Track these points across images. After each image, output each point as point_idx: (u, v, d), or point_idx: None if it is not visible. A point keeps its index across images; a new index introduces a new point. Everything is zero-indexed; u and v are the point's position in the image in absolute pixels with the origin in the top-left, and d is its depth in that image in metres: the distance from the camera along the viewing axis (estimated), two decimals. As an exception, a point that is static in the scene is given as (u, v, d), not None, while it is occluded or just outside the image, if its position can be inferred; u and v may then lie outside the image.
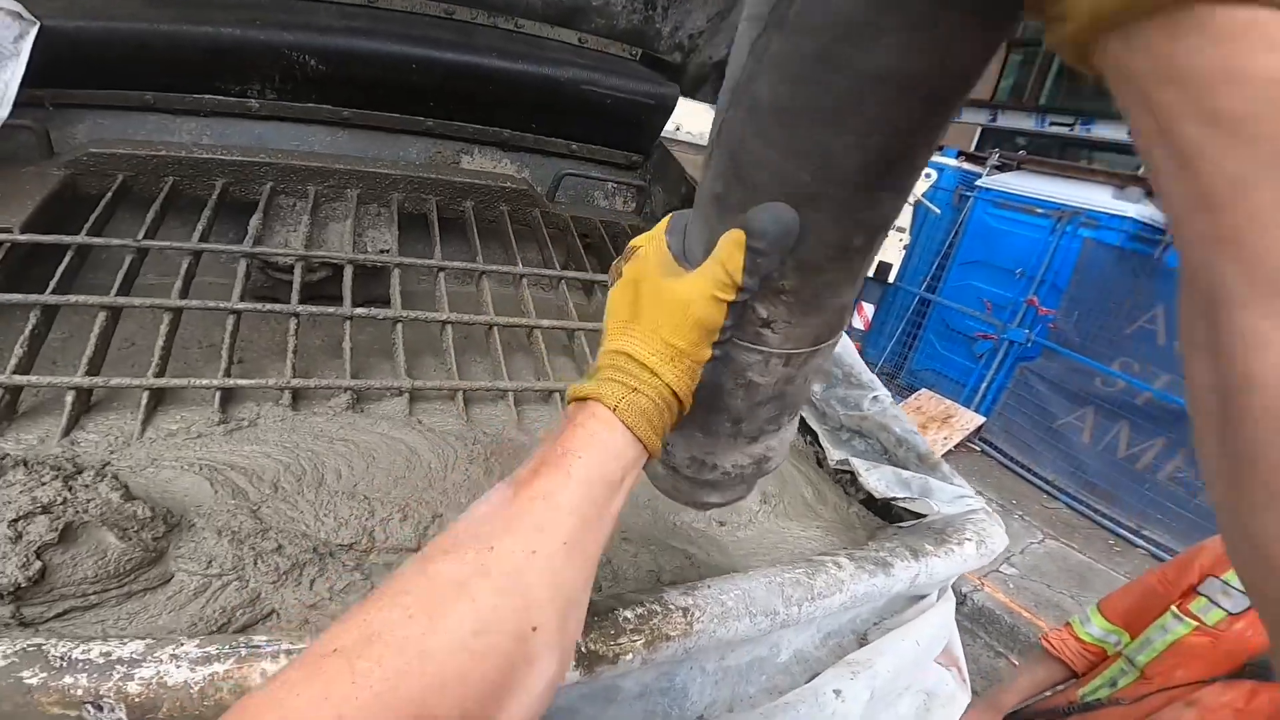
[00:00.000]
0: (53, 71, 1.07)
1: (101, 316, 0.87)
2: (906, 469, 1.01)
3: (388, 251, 1.16)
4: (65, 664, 0.44)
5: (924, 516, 0.93)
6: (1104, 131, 6.74)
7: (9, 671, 0.43)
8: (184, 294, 0.94)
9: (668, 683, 0.67)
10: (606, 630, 0.55)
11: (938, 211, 4.87)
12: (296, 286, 1.02)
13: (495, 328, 1.09)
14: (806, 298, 0.48)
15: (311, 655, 0.33)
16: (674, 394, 0.47)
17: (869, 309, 5.22)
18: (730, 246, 0.45)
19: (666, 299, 0.48)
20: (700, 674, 0.69)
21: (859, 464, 1.01)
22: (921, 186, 4.52)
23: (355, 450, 0.82)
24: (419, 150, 1.43)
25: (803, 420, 1.17)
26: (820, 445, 1.14)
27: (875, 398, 1.06)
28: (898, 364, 5.77)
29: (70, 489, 0.56)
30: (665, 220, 0.54)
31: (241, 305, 0.93)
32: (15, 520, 0.53)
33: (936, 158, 5.40)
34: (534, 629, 0.37)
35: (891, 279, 4.86)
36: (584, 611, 0.42)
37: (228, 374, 0.87)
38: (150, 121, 1.26)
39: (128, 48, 1.16)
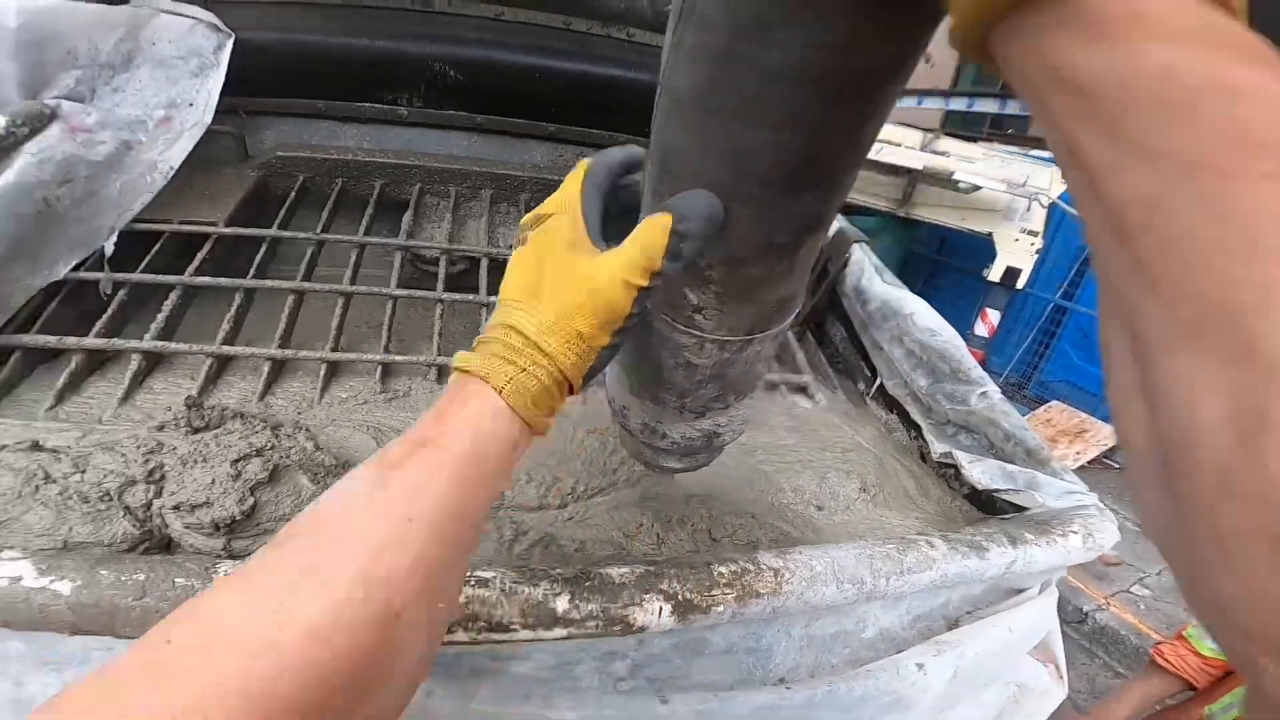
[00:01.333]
0: (243, 81, 1.22)
1: (290, 299, 1.04)
2: (1013, 463, 1.00)
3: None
4: None
5: (1024, 509, 0.92)
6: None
7: None
8: (353, 281, 1.11)
9: (754, 642, 0.73)
10: (702, 583, 0.62)
11: (1075, 214, 4.51)
12: (441, 277, 1.16)
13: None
14: (735, 290, 0.48)
15: (147, 645, 0.30)
16: (565, 377, 0.45)
17: (994, 316, 4.90)
18: (654, 229, 0.43)
19: (572, 278, 0.44)
20: (786, 638, 0.75)
21: (962, 456, 1.01)
22: (1059, 188, 4.20)
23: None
24: (542, 154, 1.56)
25: (906, 414, 1.18)
26: (925, 439, 1.14)
27: (984, 393, 1.05)
28: (1026, 374, 5.38)
29: (277, 437, 0.71)
30: (577, 178, 0.49)
31: (399, 292, 1.09)
32: (236, 460, 0.67)
33: None
34: (398, 615, 0.34)
35: (1020, 285, 4.55)
36: (457, 590, 0.41)
37: (386, 350, 1.02)
38: (323, 128, 1.46)
39: (306, 59, 1.35)
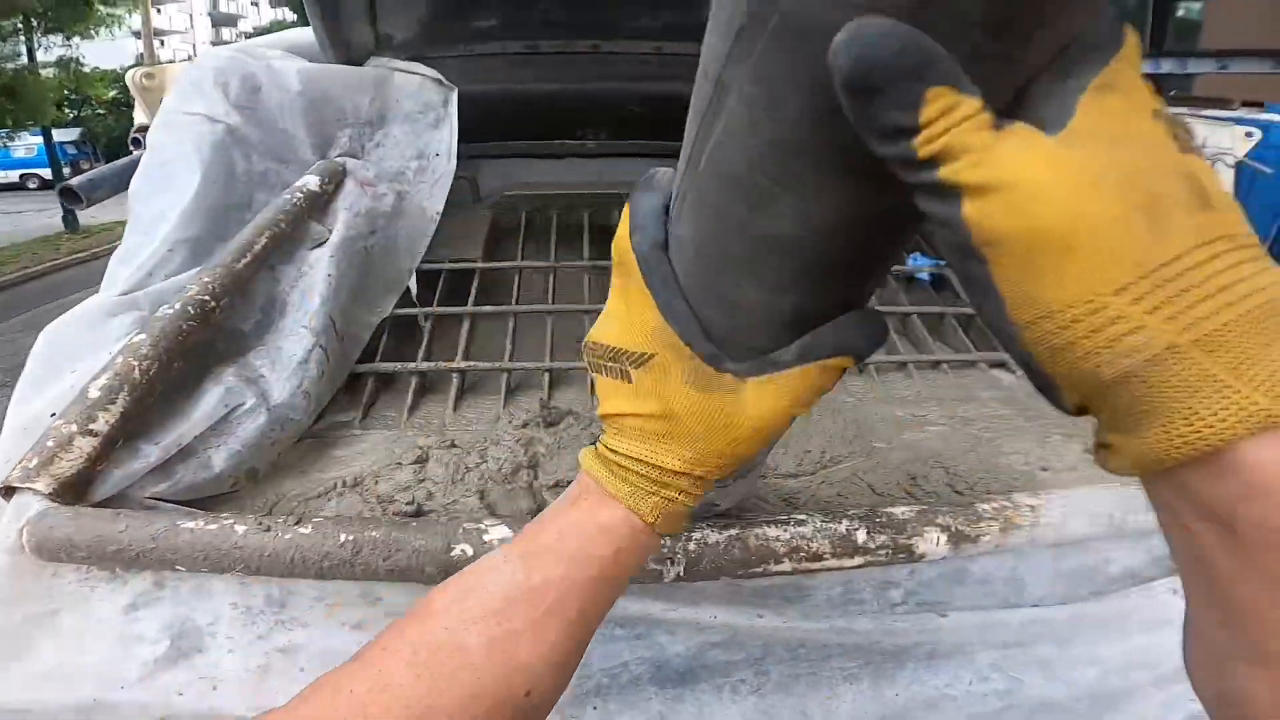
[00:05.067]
0: (461, 128, 1.44)
1: (550, 320, 1.28)
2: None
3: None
4: None
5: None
6: None
7: None
8: (589, 301, 1.33)
9: (1008, 573, 0.83)
10: (970, 517, 0.74)
11: (1269, 171, 3.99)
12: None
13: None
14: None
15: (327, 689, 0.37)
16: (712, 485, 0.46)
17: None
18: (831, 373, 0.40)
19: (725, 421, 0.42)
20: (1035, 571, 0.84)
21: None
22: (1244, 147, 3.76)
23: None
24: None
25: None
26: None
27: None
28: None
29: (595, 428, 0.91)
30: (645, 295, 0.42)
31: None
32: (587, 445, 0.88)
33: (1259, 115, 4.43)
34: (526, 694, 0.39)
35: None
36: (573, 671, 0.44)
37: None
38: (527, 166, 1.71)
39: (506, 104, 1.59)
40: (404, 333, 1.28)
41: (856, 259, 0.37)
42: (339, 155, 1.34)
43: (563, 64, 1.64)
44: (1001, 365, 1.29)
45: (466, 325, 1.25)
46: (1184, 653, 0.32)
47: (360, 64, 1.51)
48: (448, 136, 1.43)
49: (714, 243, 0.38)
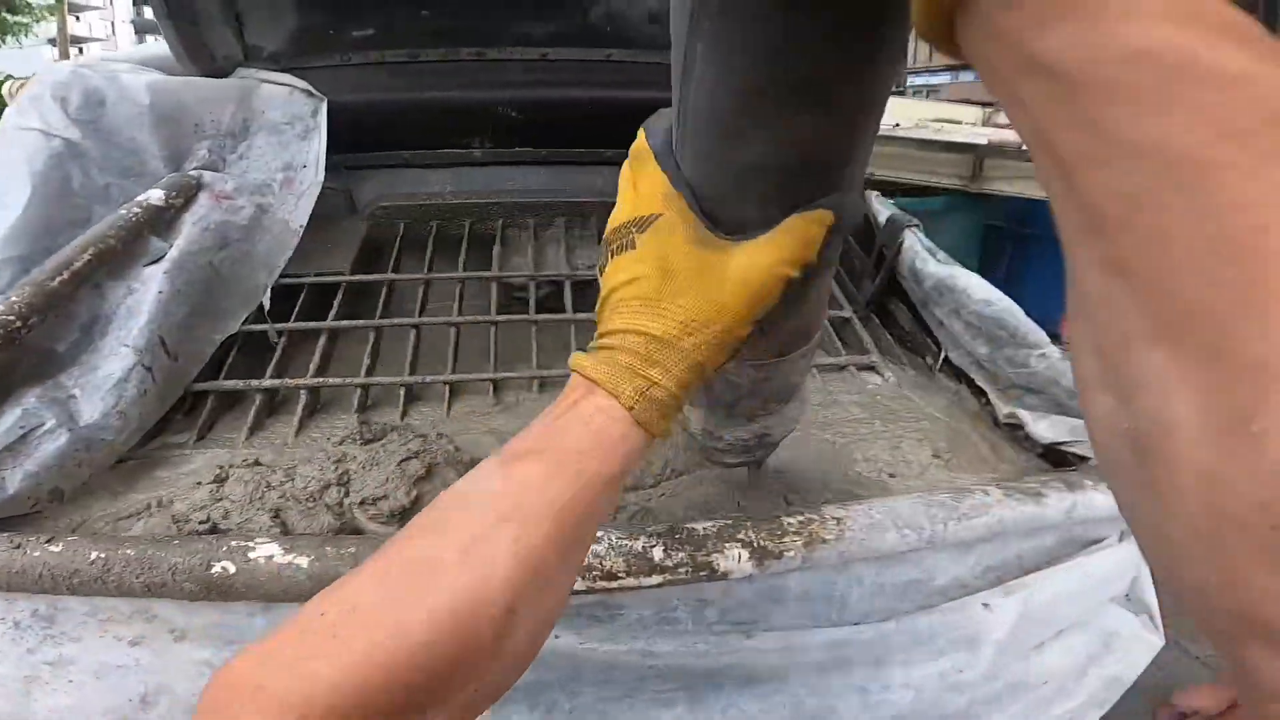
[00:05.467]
0: (336, 140, 1.40)
1: (412, 333, 1.24)
2: (1078, 418, 1.05)
3: (594, 267, 1.45)
4: None
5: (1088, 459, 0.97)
6: None
7: None
8: (459, 313, 1.30)
9: (829, 590, 0.82)
10: (774, 532, 0.73)
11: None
12: (532, 302, 1.33)
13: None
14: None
15: (306, 615, 0.36)
16: (703, 370, 0.45)
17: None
18: (813, 225, 0.43)
19: (716, 274, 0.44)
20: (858, 585, 0.83)
21: (1026, 415, 1.07)
22: None
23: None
24: (605, 178, 1.71)
25: (973, 383, 1.24)
26: (993, 404, 1.20)
27: (1043, 354, 1.10)
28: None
29: (426, 443, 0.88)
30: (656, 170, 0.47)
31: (499, 318, 1.27)
32: (401, 462, 0.85)
33: None
34: (509, 610, 0.37)
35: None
36: (565, 593, 0.43)
37: (495, 370, 1.19)
38: (410, 176, 1.67)
39: (384, 114, 1.55)
40: (258, 350, 1.23)
41: (820, 164, 0.43)
42: (196, 168, 1.29)
43: (446, 72, 1.61)
44: (871, 368, 1.31)
45: (323, 341, 1.21)
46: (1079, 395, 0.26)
47: (227, 76, 1.46)
48: (316, 148, 1.39)
49: (709, 179, 0.44)
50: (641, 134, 0.51)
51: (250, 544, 0.67)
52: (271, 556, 0.66)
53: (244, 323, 1.20)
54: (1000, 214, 5.68)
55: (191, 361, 1.10)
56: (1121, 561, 0.96)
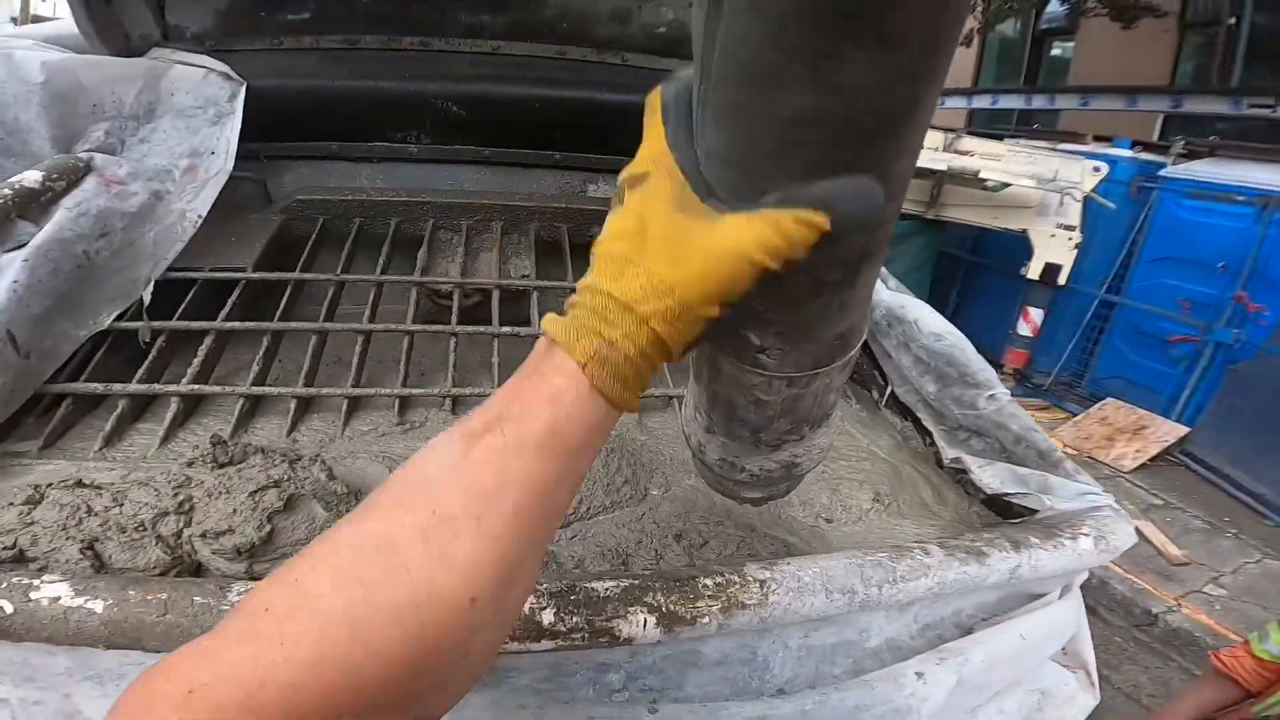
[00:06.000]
0: (258, 127, 1.28)
1: (314, 340, 1.11)
2: (1025, 467, 0.99)
3: (528, 276, 1.34)
4: None
5: (1033, 512, 0.91)
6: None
7: None
8: (372, 319, 1.17)
9: (749, 654, 0.74)
10: (686, 595, 0.63)
11: (1112, 206, 4.37)
12: (455, 311, 1.22)
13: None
14: (795, 328, 0.47)
15: (246, 611, 0.32)
16: (664, 346, 0.41)
17: (1037, 315, 4.75)
18: (793, 221, 0.38)
19: (686, 242, 0.40)
20: (782, 649, 0.75)
21: (971, 461, 1.00)
22: (1091, 181, 4.10)
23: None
24: (550, 182, 1.62)
25: (919, 421, 1.18)
26: (938, 445, 1.14)
27: (991, 395, 1.04)
28: (1078, 372, 5.18)
29: (294, 469, 0.76)
30: (658, 129, 0.44)
31: (415, 327, 1.14)
32: (254, 492, 0.72)
33: (1109, 150, 4.87)
34: (472, 600, 0.34)
35: (1062, 281, 4.42)
36: (531, 580, 0.41)
37: (404, 384, 1.07)
38: (338, 169, 1.54)
39: (315, 102, 1.42)
40: (132, 351, 1.08)
41: (874, 122, 0.36)
42: (88, 150, 1.15)
43: (385, 61, 1.49)
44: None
45: (208, 343, 1.07)
46: None
47: (140, 56, 1.32)
48: (228, 134, 1.26)
49: (742, 141, 0.38)
50: (656, 88, 0.46)
51: (33, 581, 0.55)
52: (58, 598, 0.54)
53: (119, 319, 1.06)
54: (953, 241, 5.82)
55: (46, 360, 0.96)
56: (1061, 619, 0.91)
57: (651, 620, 0.62)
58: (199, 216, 1.17)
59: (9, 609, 0.54)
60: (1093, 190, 4.10)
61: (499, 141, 1.56)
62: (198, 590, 0.56)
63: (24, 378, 0.92)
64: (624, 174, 0.46)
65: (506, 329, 1.18)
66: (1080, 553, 0.83)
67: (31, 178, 1.02)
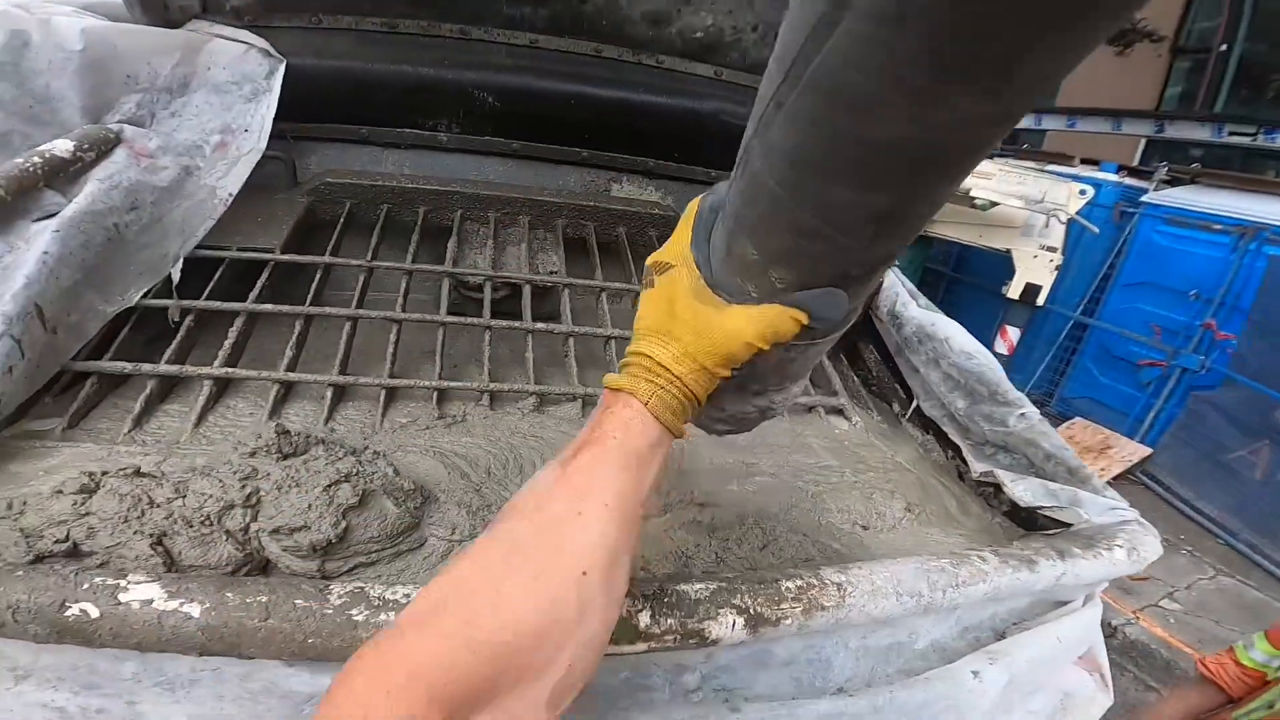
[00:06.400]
0: (289, 106, 1.26)
1: (347, 326, 1.08)
2: (1055, 482, 1.02)
3: (556, 273, 1.33)
4: (381, 603, 0.54)
5: (1068, 525, 0.95)
6: (1293, 141, 5.91)
7: (343, 610, 0.53)
8: (403, 308, 1.15)
9: (815, 654, 0.75)
10: (771, 597, 0.64)
11: (1095, 230, 4.49)
12: (487, 304, 1.20)
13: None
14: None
15: (424, 604, 0.43)
16: (694, 395, 0.55)
17: (1014, 333, 4.89)
18: (787, 319, 0.51)
19: (702, 326, 0.54)
20: (844, 649, 0.77)
21: (1004, 475, 1.03)
22: (1077, 204, 4.22)
23: (545, 445, 0.96)
24: (575, 179, 1.61)
25: (942, 434, 1.21)
26: (960, 460, 1.17)
27: (1022, 414, 1.08)
28: (1048, 391, 5.35)
29: (360, 463, 0.74)
30: (686, 231, 0.59)
31: (449, 319, 1.13)
32: (328, 486, 0.69)
33: (1094, 173, 5.01)
34: (584, 573, 0.44)
35: (1041, 301, 4.54)
36: (628, 569, 0.50)
37: (440, 377, 1.05)
38: (365, 154, 1.51)
39: (349, 85, 1.39)
40: (159, 330, 1.04)
41: (942, 163, 0.40)
42: (118, 121, 1.11)
43: (423, 47, 1.46)
44: (839, 412, 1.25)
45: (239, 324, 1.03)
46: None
47: (178, 27, 1.27)
48: (263, 112, 1.22)
49: (813, 146, 0.42)
50: (697, 199, 0.61)
51: (122, 582, 0.52)
52: (151, 601, 0.51)
53: (145, 296, 1.01)
54: (938, 257, 5.96)
55: (72, 336, 0.91)
56: (1088, 624, 0.95)
57: (740, 621, 0.62)
58: (229, 195, 1.14)
59: (94, 613, 0.50)
60: (1077, 213, 4.23)
61: (529, 135, 1.54)
62: (299, 593, 0.54)
63: (50, 354, 0.88)
64: (652, 259, 0.61)
65: (541, 325, 1.17)
66: (1115, 562, 0.87)
67: (62, 147, 0.97)
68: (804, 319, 0.51)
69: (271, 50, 1.25)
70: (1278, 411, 3.89)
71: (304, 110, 1.35)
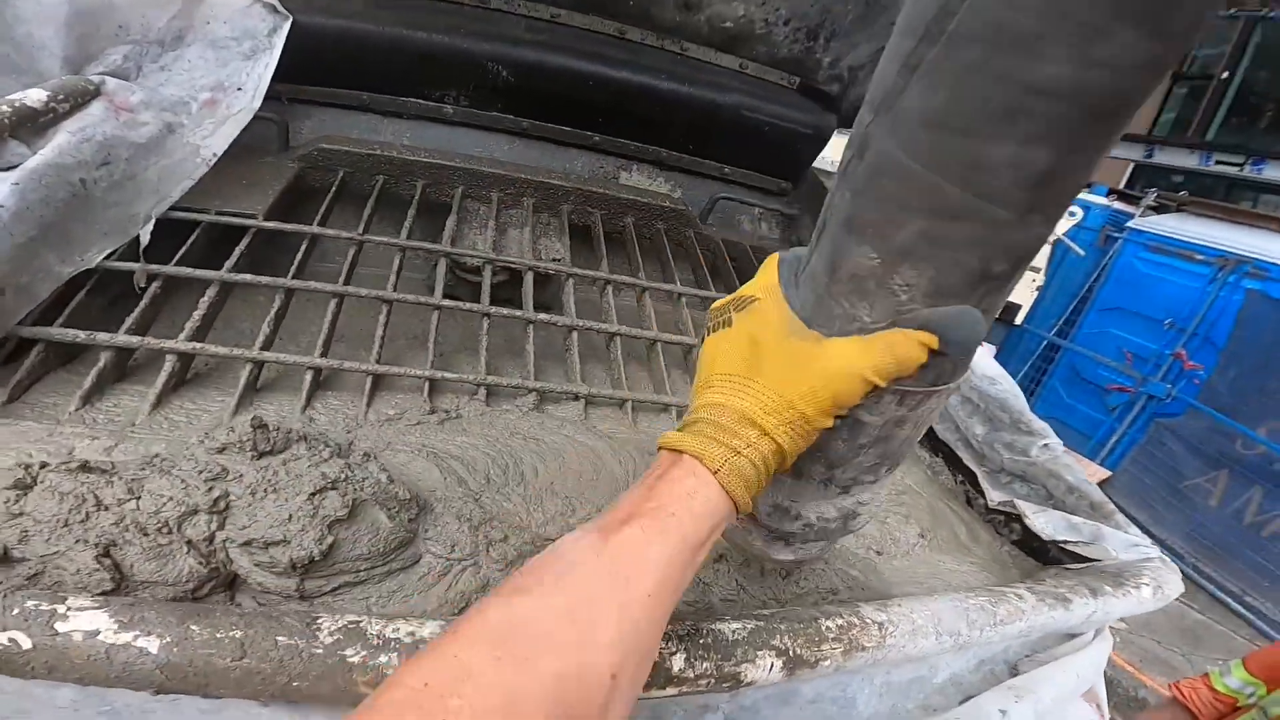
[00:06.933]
0: (287, 66, 1.16)
1: (332, 303, 0.99)
2: (1076, 515, 0.99)
3: (559, 261, 1.25)
4: (380, 642, 0.47)
5: (1091, 561, 0.91)
6: (1277, 174, 6.02)
7: (335, 649, 0.46)
8: (395, 287, 1.05)
9: (840, 691, 0.70)
10: (811, 638, 0.58)
11: (1081, 253, 4.52)
12: (486, 288, 1.11)
13: (659, 343, 1.15)
14: None
15: (405, 686, 0.33)
16: (782, 455, 0.46)
17: (989, 351, 4.94)
18: (913, 345, 0.43)
19: (802, 363, 0.46)
20: (868, 686, 0.72)
21: (1025, 506, 0.99)
22: (1064, 225, 4.24)
23: (546, 449, 0.88)
24: (584, 163, 1.53)
25: (957, 459, 1.16)
26: (970, 486, 1.13)
27: (1045, 445, 1.04)
28: (1017, 410, 5.43)
29: (349, 467, 0.65)
30: (772, 268, 0.52)
31: (445, 302, 1.04)
32: (312, 494, 0.60)
33: (1084, 195, 5.05)
34: (613, 676, 0.37)
35: (1019, 321, 4.55)
36: (653, 660, 0.43)
37: (433, 365, 0.96)
38: (363, 121, 1.40)
39: (355, 47, 1.29)
40: (121, 295, 0.93)
41: (1103, 108, 0.37)
42: (100, 72, 1.00)
43: (438, 13, 1.35)
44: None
45: (211, 294, 0.93)
46: None
47: None
48: (260, 71, 1.12)
49: (965, 101, 0.38)
50: (779, 254, 0.54)
51: (59, 608, 0.43)
52: (97, 632, 0.42)
53: (108, 258, 0.90)
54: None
55: (22, 299, 0.80)
56: (1096, 659, 0.92)
57: (778, 664, 0.56)
58: (214, 155, 1.03)
59: (26, 644, 0.41)
60: (1064, 234, 4.26)
61: (540, 114, 1.45)
62: (281, 628, 0.45)
63: (-7, 316, 0.77)
64: (726, 300, 0.53)
65: (543, 315, 1.09)
66: (1142, 600, 0.84)
67: (34, 97, 0.87)
68: (933, 343, 0.43)
69: (278, 5, 1.15)
70: (1239, 442, 4.00)
71: (303, 71, 1.25)
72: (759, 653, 0.55)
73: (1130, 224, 4.79)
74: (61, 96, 0.89)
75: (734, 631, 0.56)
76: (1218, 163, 6.09)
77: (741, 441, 0.45)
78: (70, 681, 0.43)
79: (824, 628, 0.59)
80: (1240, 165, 5.97)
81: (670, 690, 0.52)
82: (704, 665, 0.53)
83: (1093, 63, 0.34)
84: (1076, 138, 0.38)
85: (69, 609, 0.43)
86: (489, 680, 0.33)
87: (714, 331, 0.52)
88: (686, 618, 0.56)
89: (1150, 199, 4.87)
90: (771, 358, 0.47)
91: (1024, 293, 4.38)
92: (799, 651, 0.57)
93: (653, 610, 0.40)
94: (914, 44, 0.39)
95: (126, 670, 0.42)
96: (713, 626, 0.55)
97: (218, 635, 0.43)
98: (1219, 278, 4.24)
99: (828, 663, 0.59)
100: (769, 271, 0.52)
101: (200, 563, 0.55)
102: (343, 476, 0.62)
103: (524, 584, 0.39)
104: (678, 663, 0.52)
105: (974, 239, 0.41)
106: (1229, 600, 3.90)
